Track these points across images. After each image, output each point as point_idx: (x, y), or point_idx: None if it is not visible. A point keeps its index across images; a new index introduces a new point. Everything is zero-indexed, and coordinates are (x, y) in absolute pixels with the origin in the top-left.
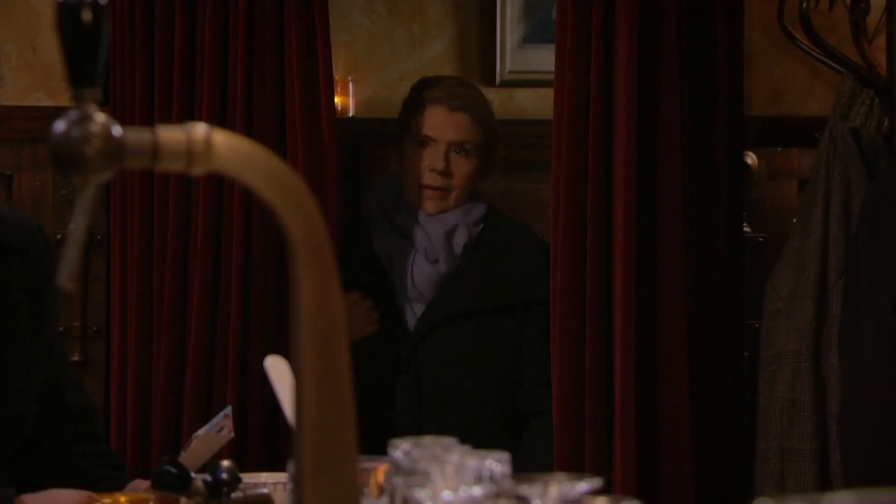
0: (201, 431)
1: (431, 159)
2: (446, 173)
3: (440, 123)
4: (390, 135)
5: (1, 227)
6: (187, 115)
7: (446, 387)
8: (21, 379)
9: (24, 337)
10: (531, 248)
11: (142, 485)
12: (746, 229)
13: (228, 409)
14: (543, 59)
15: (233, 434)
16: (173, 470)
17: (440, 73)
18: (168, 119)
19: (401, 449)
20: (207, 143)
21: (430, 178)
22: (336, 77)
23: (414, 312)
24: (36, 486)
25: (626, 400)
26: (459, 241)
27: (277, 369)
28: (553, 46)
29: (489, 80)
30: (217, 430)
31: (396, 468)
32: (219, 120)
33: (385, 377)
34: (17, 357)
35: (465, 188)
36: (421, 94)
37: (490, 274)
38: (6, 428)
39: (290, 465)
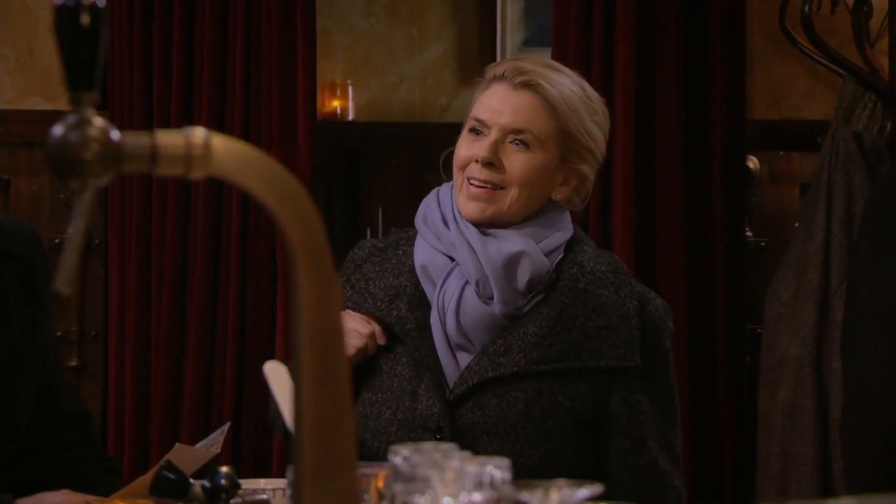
0: (196, 447)
1: (477, 148)
2: (493, 165)
3: (495, 104)
4: (389, 138)
5: None
6: (186, 118)
7: None
8: (16, 385)
9: (20, 342)
10: (623, 296)
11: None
12: (748, 234)
13: (226, 427)
14: None
15: (218, 451)
16: (171, 476)
17: (440, 77)
18: (166, 123)
19: (400, 455)
20: (206, 147)
21: (472, 170)
22: (335, 81)
23: (457, 362)
24: (31, 491)
25: None
26: (524, 274)
27: (276, 374)
28: (552, 51)
29: None
30: (209, 447)
31: (396, 474)
32: (217, 124)
33: (401, 440)
34: (13, 363)
35: (528, 191)
36: (488, 73)
37: (563, 324)
38: (2, 435)
39: (290, 471)
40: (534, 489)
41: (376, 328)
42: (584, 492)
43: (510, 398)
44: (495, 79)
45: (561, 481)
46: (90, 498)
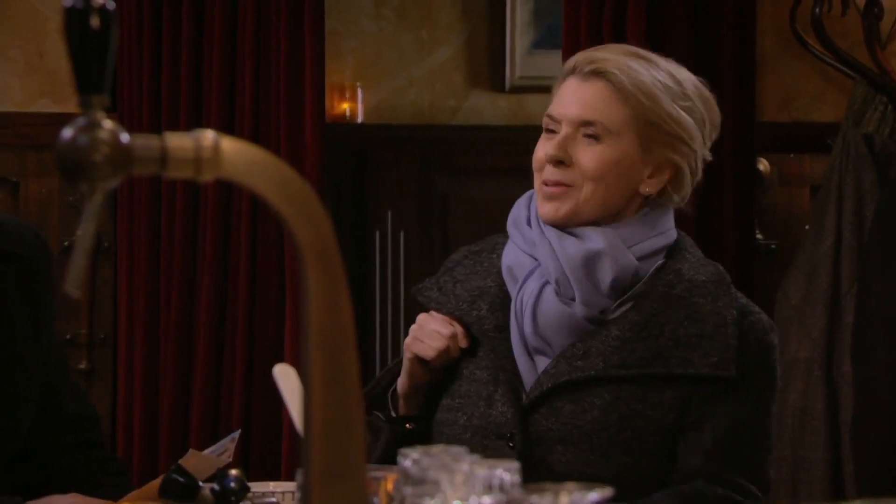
0: (205, 452)
1: (548, 147)
2: (563, 164)
3: (566, 98)
4: (398, 140)
5: None
6: (195, 121)
7: (564, 473)
8: (17, 385)
9: (22, 344)
10: (722, 305)
11: None
12: (758, 236)
13: (236, 434)
14: (553, 64)
15: (230, 459)
16: (180, 478)
17: (449, 79)
18: (175, 126)
19: (410, 458)
20: (215, 149)
21: (546, 172)
22: (344, 83)
23: (534, 366)
24: (35, 493)
25: None
26: (605, 273)
27: (286, 377)
28: (563, 52)
29: (499, 86)
30: (219, 454)
31: (406, 477)
32: (227, 126)
33: (475, 448)
34: (15, 364)
35: (604, 185)
36: (564, 67)
37: (651, 330)
38: (3, 436)
39: (299, 474)
40: (543, 493)
41: (458, 330)
42: (595, 495)
43: (585, 404)
44: (568, 72)
45: (571, 485)
46: (99, 502)
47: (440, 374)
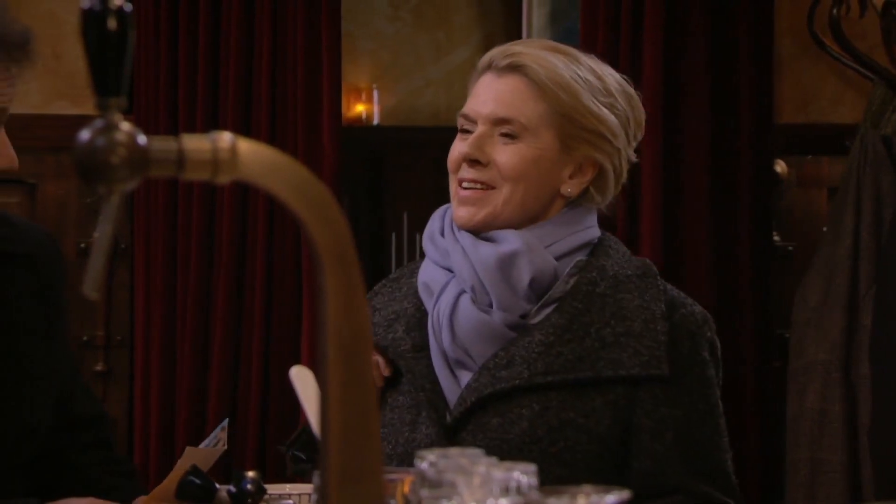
0: (200, 447)
1: (462, 146)
2: (479, 163)
3: (481, 94)
4: (415, 142)
5: (9, 234)
6: (211, 123)
7: None
8: (33, 387)
9: (36, 345)
10: (649, 299)
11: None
12: (775, 238)
13: (225, 422)
14: None
15: (226, 447)
16: (197, 480)
17: (466, 81)
18: (192, 128)
19: (427, 460)
20: (232, 151)
21: (461, 171)
22: (361, 85)
23: (457, 382)
24: (47, 494)
25: None
26: (522, 275)
27: (303, 379)
28: None
29: None
30: (213, 445)
31: (422, 480)
32: (243, 128)
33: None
34: (30, 365)
35: (523, 186)
36: (479, 63)
37: (574, 332)
38: (22, 436)
39: (316, 477)
40: (560, 495)
41: (379, 359)
42: (612, 498)
43: (513, 416)
44: (483, 68)
45: (588, 487)
46: None
47: None
